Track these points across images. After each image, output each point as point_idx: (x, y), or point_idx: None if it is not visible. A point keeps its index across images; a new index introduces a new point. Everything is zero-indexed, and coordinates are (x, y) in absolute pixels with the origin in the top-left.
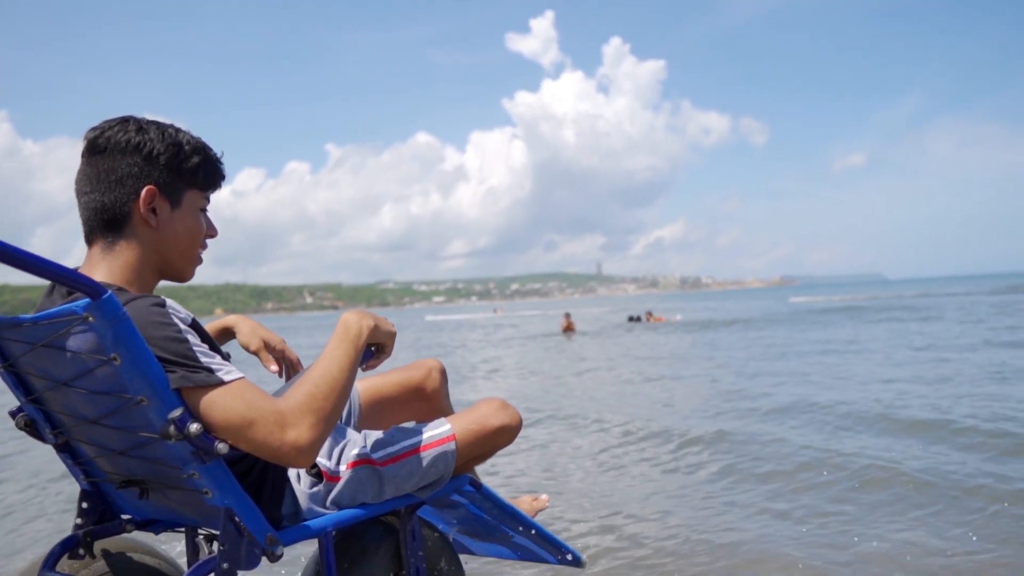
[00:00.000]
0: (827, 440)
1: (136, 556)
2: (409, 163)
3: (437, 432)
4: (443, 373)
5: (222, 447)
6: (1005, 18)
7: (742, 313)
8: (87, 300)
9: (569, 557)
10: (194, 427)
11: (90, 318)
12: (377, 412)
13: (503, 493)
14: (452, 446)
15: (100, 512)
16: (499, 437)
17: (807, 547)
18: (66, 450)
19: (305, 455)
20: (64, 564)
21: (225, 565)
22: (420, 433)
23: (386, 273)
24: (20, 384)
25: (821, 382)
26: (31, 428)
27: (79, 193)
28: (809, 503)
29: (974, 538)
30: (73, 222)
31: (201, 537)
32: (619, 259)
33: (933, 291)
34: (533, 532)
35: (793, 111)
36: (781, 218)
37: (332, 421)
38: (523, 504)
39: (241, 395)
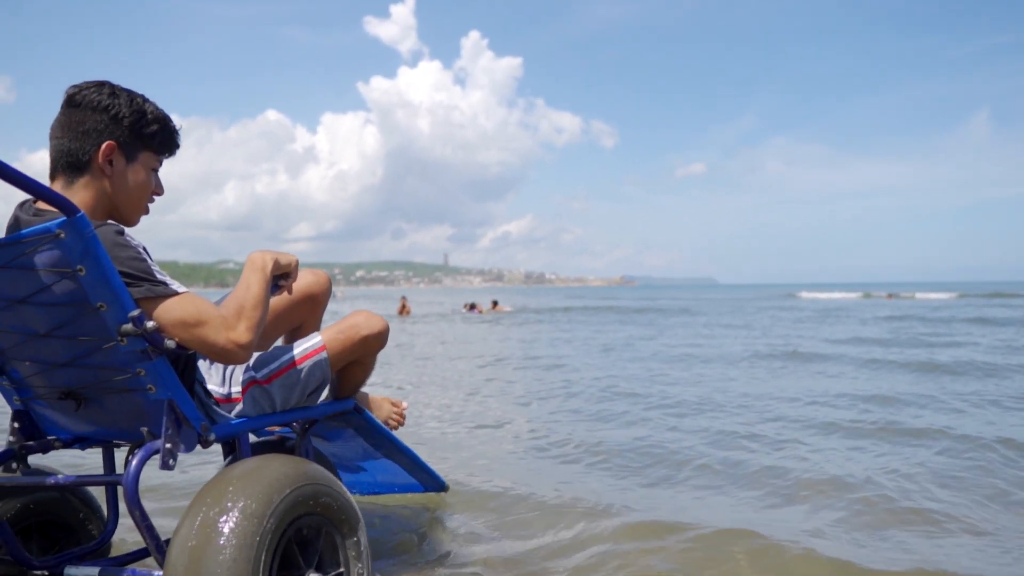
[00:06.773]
0: None
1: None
2: (257, 140)
3: (309, 345)
4: (329, 283)
5: (170, 343)
6: (830, 51)
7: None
8: (63, 218)
9: (433, 483)
10: (150, 324)
11: (62, 235)
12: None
13: None
14: (324, 355)
15: (30, 431)
16: (369, 342)
17: None
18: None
19: (244, 351)
20: None
21: (168, 445)
22: (293, 349)
23: (227, 253)
24: None
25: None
26: None
27: (52, 136)
28: None
29: None
30: None
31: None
32: (466, 251)
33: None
34: (406, 459)
35: (641, 118)
36: (624, 220)
37: (260, 327)
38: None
39: (193, 302)
